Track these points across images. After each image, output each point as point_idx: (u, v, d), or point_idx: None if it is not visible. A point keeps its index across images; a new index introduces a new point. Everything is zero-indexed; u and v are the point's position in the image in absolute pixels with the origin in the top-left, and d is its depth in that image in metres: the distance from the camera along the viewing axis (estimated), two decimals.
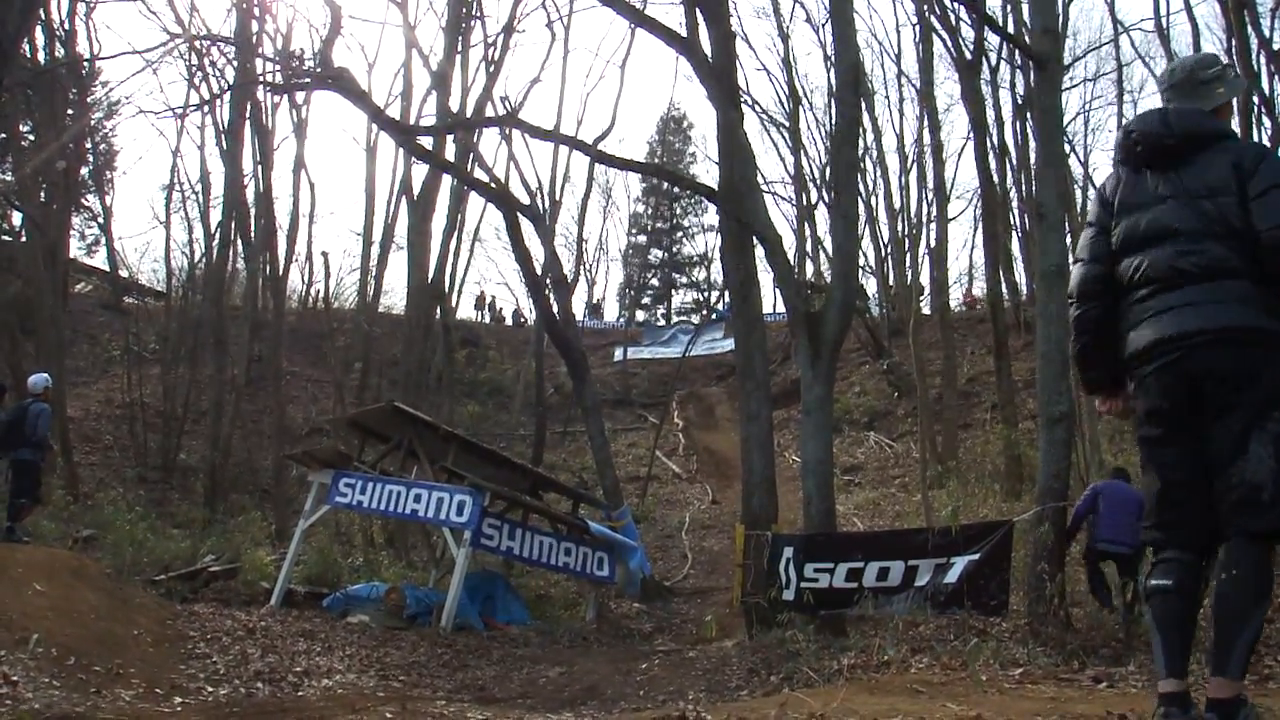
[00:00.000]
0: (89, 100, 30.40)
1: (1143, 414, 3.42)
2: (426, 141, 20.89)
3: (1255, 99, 22.08)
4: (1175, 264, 3.32)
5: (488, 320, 48.03)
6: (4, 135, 26.82)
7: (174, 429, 25.48)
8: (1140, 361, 3.38)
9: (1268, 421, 3.15)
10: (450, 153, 24.00)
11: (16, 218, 29.34)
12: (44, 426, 12.35)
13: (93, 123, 31.29)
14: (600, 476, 19.61)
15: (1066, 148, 24.03)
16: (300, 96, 29.07)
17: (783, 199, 43.34)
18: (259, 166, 27.69)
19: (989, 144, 24.79)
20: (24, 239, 26.16)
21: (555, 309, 20.70)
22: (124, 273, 38.20)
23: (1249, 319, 3.19)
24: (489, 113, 24.90)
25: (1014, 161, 28.68)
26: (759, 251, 14.55)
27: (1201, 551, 3.28)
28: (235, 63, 25.87)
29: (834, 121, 23.16)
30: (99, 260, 39.82)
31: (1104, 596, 10.08)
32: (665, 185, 49.96)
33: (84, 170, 32.62)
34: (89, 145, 32.10)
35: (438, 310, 28.28)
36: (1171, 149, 3.46)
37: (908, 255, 35.56)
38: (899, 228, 35.69)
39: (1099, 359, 3.61)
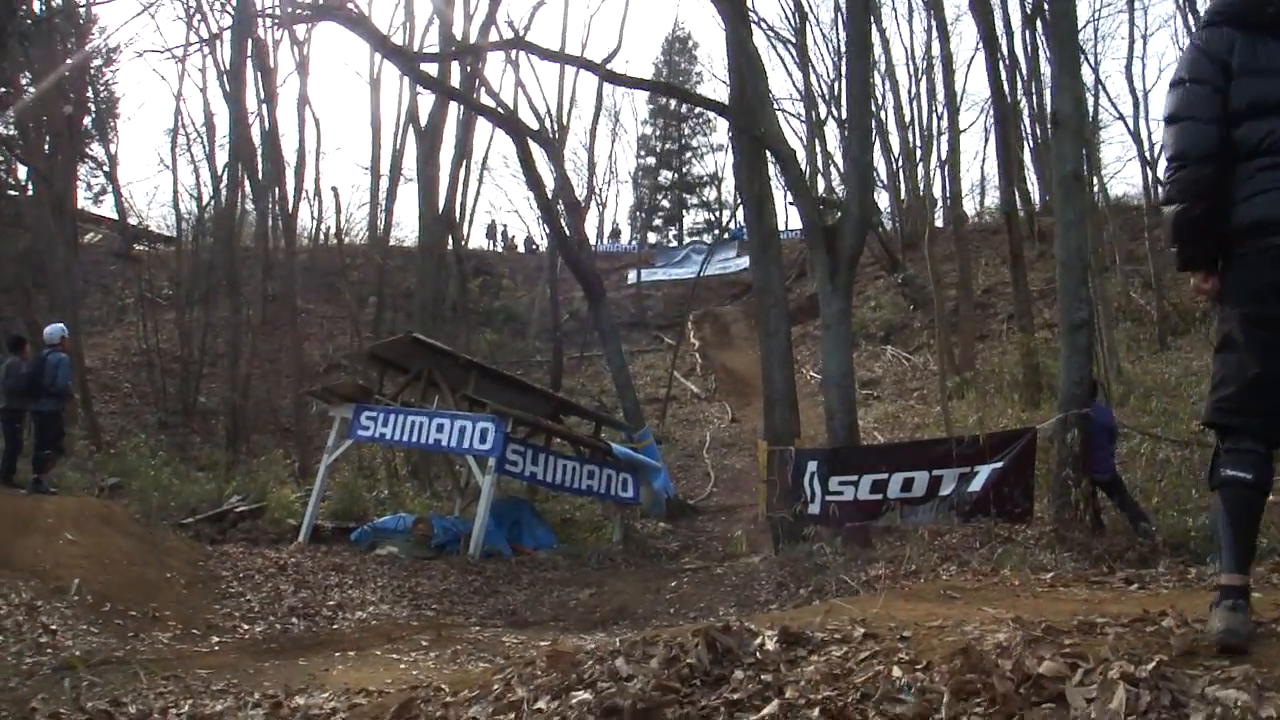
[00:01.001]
0: (87, 47, 30.03)
1: (1259, 290, 3.16)
2: (432, 70, 20.61)
3: None
4: None
5: (500, 249, 47.89)
6: (5, 89, 26.58)
7: (192, 373, 25.65)
8: (1266, 233, 3.15)
9: None
10: (456, 82, 23.72)
11: (23, 171, 29.23)
12: (64, 376, 12.30)
13: (92, 69, 30.96)
14: (620, 399, 19.65)
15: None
16: (301, 32, 28.81)
17: (791, 115, 42.92)
18: (263, 105, 27.49)
19: (999, 54, 24.30)
20: (31, 192, 26.01)
21: (568, 233, 20.60)
22: (133, 220, 38.03)
23: None
24: (494, 39, 24.52)
25: (1024, 72, 28.27)
26: (772, 169, 14.39)
27: (1274, 445, 3.16)
28: (234, 1, 25.52)
29: (842, 37, 22.81)
30: (107, 209, 39.73)
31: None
32: (673, 106, 49.35)
33: (87, 119, 32.36)
34: (90, 93, 31.83)
35: (450, 240, 28.23)
36: None
37: (919, 167, 35.23)
38: (909, 140, 35.34)
39: (1212, 229, 3.29)
